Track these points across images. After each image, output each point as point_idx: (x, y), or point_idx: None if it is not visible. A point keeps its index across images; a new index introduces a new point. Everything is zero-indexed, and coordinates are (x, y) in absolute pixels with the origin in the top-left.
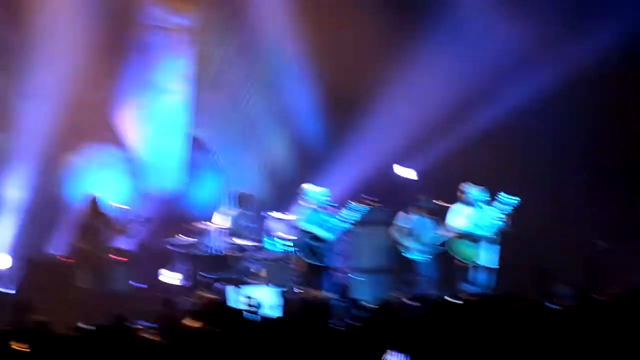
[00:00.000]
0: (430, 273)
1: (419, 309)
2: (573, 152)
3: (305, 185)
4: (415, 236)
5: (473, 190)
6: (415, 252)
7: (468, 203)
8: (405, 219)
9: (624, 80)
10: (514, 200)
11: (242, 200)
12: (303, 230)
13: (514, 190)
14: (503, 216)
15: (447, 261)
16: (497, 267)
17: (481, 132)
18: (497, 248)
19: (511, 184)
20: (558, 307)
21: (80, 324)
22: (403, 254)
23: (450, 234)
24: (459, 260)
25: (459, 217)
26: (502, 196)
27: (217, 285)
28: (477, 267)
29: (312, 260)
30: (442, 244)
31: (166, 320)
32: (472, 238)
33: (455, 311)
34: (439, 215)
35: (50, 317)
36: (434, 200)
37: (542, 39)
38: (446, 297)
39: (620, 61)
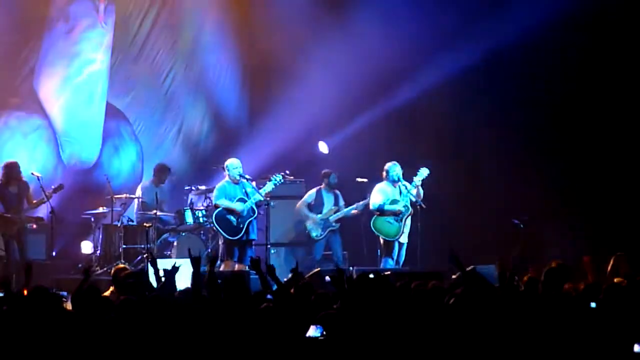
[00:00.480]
0: (336, 248)
1: (333, 283)
2: (491, 129)
3: (228, 160)
4: (315, 211)
5: (395, 168)
6: (315, 227)
7: (390, 180)
8: (310, 194)
9: (542, 58)
10: (425, 173)
11: (159, 172)
12: (220, 203)
13: (433, 167)
14: (418, 190)
15: (368, 237)
16: (415, 242)
17: (400, 109)
18: (414, 223)
19: (431, 161)
20: (473, 286)
21: None
22: (306, 228)
23: (353, 211)
24: (381, 237)
25: (381, 194)
26: (420, 171)
27: (137, 256)
28: (398, 243)
29: (228, 232)
30: (339, 220)
31: (83, 290)
32: (393, 215)
33: (371, 286)
34: (347, 190)
35: None
36: (359, 179)
37: (459, 20)
38: (368, 274)
39: (540, 37)
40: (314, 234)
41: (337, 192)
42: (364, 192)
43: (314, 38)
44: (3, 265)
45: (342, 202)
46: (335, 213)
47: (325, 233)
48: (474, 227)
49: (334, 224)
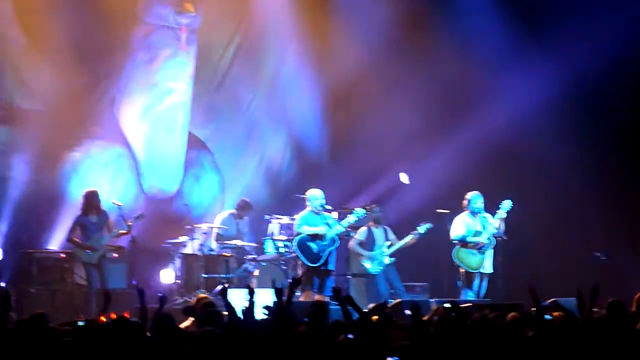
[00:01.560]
0: (394, 280)
1: (411, 315)
2: (575, 161)
3: (310, 191)
4: (368, 248)
5: (477, 200)
6: (370, 263)
7: (471, 212)
8: (361, 232)
9: (626, 86)
10: (509, 206)
11: (242, 209)
12: (301, 233)
13: (515, 198)
14: (500, 223)
15: (449, 268)
16: (497, 274)
17: (483, 139)
18: (496, 255)
19: (513, 192)
20: (551, 318)
21: (76, 320)
22: (362, 265)
23: (409, 240)
24: (463, 268)
25: (463, 225)
26: (503, 204)
27: (217, 285)
28: (479, 275)
29: (309, 259)
30: (393, 255)
31: (161, 319)
32: (474, 246)
33: (449, 319)
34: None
35: (46, 310)
36: (439, 210)
37: (544, 43)
38: (445, 305)
39: (621, 67)
40: (371, 270)
41: (386, 227)
42: (444, 223)
43: (396, 66)
44: (83, 293)
45: (392, 236)
46: (389, 247)
47: (382, 267)
48: (556, 259)
49: (388, 258)
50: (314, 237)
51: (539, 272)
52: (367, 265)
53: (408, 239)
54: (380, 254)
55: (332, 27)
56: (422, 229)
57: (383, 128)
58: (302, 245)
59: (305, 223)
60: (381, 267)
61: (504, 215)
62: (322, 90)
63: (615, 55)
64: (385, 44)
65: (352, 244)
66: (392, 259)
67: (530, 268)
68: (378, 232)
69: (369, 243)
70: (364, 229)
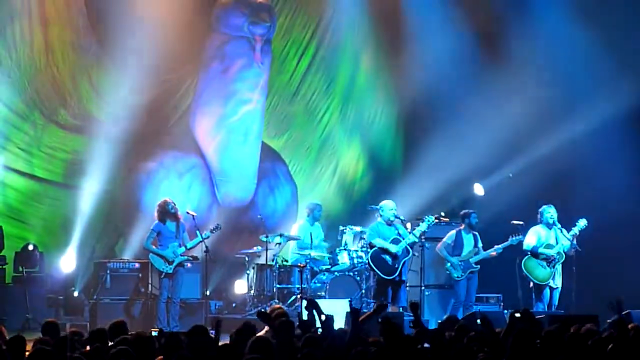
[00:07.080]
0: (471, 291)
1: (483, 326)
2: None
3: (383, 202)
4: (455, 252)
5: (549, 210)
6: (454, 269)
7: (544, 223)
8: (450, 235)
9: None
10: (584, 224)
11: (313, 212)
12: (374, 244)
13: (591, 210)
14: (573, 240)
15: (523, 280)
16: (570, 287)
17: (560, 151)
18: (569, 267)
19: (584, 207)
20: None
21: (152, 329)
22: (446, 270)
23: (492, 253)
24: (532, 280)
25: (535, 236)
26: (579, 222)
27: (290, 296)
28: (549, 288)
29: (384, 272)
30: (479, 262)
31: (239, 329)
32: (545, 259)
33: (523, 332)
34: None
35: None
36: (514, 222)
37: (618, 57)
38: (515, 315)
39: None
40: (455, 275)
41: (476, 233)
42: (518, 234)
43: (469, 79)
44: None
45: (480, 244)
46: (475, 255)
47: (466, 274)
48: (630, 271)
49: (474, 265)
50: (387, 249)
51: (614, 285)
52: (451, 270)
53: (492, 250)
54: (467, 260)
55: (406, 39)
56: (514, 240)
57: (457, 139)
58: (377, 258)
59: (377, 234)
60: (464, 274)
61: (577, 233)
62: (396, 99)
63: None
64: (460, 55)
65: (439, 246)
66: (477, 267)
67: (604, 280)
68: (468, 238)
69: (456, 247)
70: (452, 232)
